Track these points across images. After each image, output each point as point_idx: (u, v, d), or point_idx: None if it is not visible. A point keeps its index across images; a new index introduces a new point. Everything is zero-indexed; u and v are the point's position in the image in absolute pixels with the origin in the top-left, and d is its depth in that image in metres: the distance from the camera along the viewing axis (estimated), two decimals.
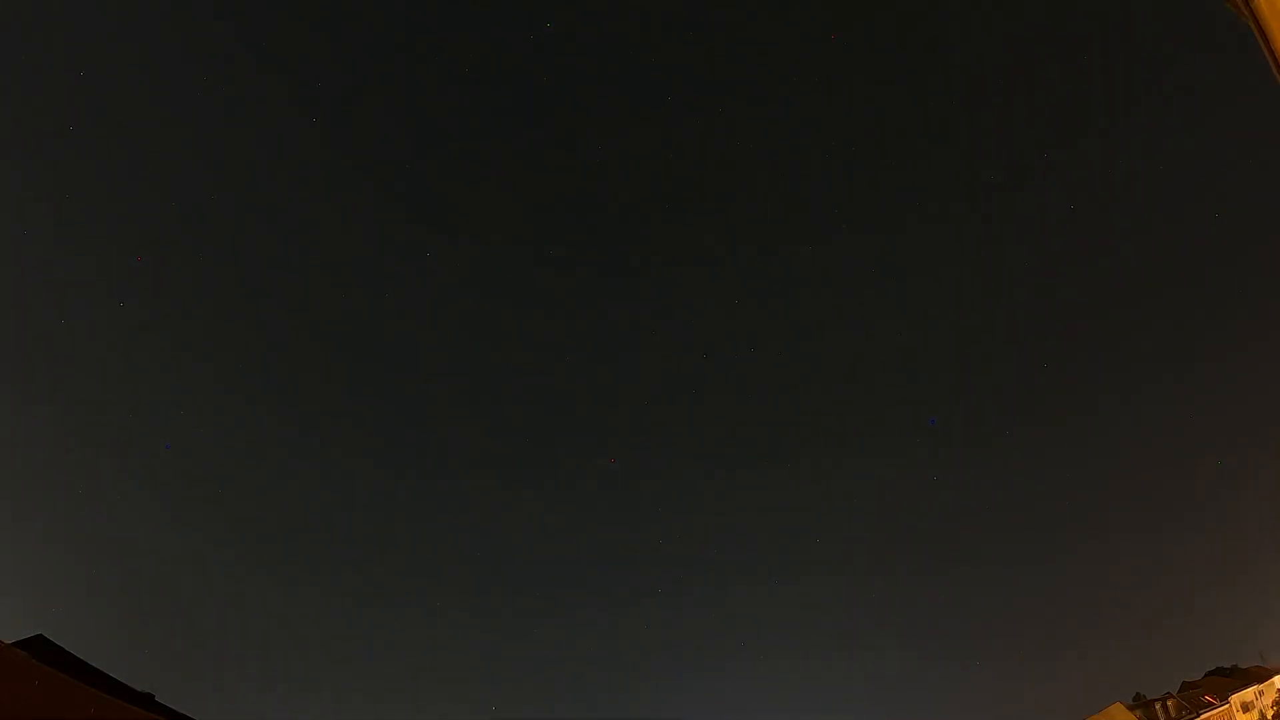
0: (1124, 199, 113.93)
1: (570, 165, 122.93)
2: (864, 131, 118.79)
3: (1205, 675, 66.08)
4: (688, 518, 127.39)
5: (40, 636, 26.25)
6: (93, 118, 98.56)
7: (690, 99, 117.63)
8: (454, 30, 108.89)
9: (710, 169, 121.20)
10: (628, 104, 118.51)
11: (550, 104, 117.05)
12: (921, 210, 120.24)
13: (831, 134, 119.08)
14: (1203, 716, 56.70)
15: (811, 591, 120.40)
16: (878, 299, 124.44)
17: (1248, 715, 51.75)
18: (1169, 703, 61.96)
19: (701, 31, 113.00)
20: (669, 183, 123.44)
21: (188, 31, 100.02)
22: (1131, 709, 61.84)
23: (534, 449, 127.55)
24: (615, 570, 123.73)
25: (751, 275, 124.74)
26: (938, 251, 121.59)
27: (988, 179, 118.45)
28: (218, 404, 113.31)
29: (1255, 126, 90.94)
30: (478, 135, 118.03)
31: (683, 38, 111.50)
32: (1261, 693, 50.98)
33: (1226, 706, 54.16)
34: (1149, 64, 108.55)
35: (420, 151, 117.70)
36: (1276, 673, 52.33)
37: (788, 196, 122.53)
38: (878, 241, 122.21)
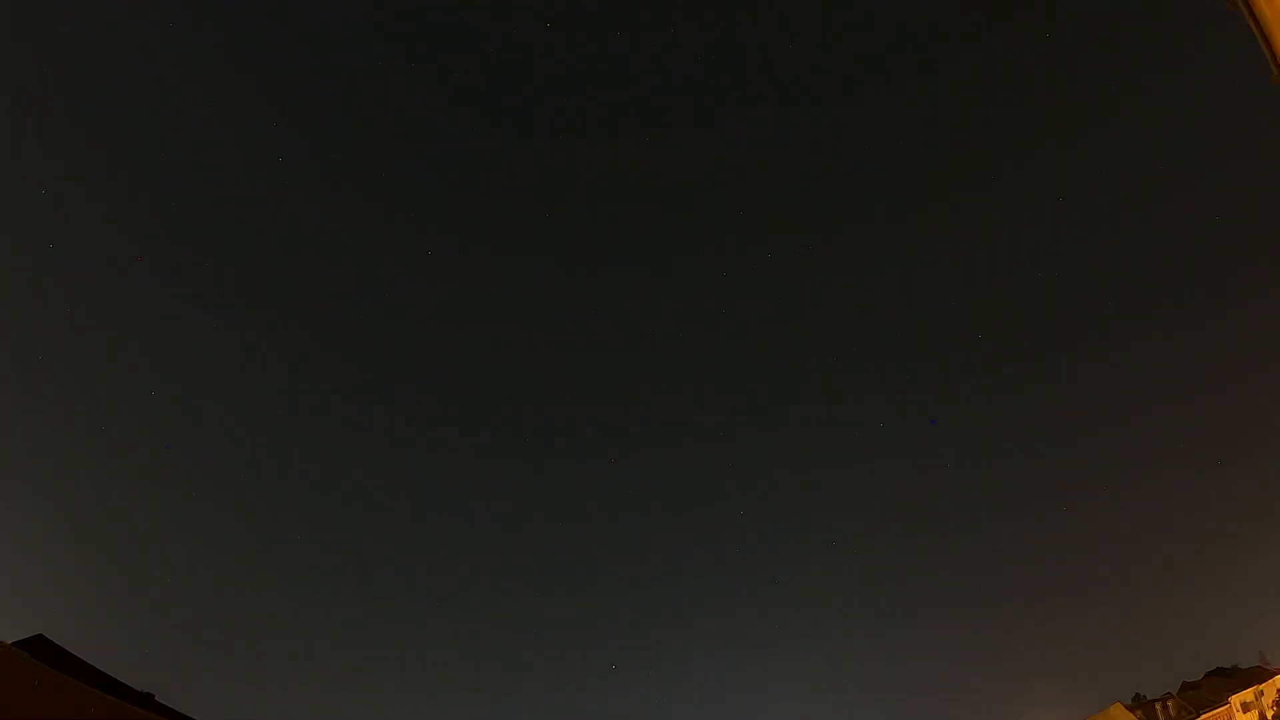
0: (1126, 198, 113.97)
1: (571, 165, 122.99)
2: (862, 130, 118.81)
3: (1205, 675, 66.03)
4: (688, 515, 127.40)
5: (40, 636, 26.26)
6: (94, 120, 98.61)
7: (689, 98, 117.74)
8: (453, 30, 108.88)
9: (712, 168, 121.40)
10: (627, 103, 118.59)
11: (550, 103, 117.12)
12: (917, 206, 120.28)
13: (831, 132, 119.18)
14: (1203, 717, 56.67)
15: (810, 592, 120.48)
16: (875, 292, 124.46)
17: (1248, 715, 51.70)
18: (1169, 703, 61.94)
19: (700, 31, 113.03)
20: (669, 182, 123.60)
21: (189, 31, 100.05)
22: (1131, 709, 61.84)
23: (535, 448, 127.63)
24: (616, 568, 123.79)
25: (753, 274, 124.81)
26: (935, 245, 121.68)
27: (989, 174, 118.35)
28: (218, 404, 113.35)
29: (1255, 126, 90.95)
30: (478, 135, 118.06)
31: (682, 37, 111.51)
32: (1261, 693, 50.90)
33: (1226, 706, 54.11)
34: (1148, 63, 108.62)
35: (420, 151, 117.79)
36: (1276, 673, 52.24)
37: (788, 195, 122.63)
38: (875, 238, 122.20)
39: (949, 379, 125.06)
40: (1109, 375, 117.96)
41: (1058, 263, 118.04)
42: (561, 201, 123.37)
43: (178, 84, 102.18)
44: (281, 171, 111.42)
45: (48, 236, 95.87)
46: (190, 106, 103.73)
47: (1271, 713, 49.06)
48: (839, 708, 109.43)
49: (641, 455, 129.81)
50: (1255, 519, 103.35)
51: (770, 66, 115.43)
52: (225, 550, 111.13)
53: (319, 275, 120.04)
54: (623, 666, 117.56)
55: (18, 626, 28.33)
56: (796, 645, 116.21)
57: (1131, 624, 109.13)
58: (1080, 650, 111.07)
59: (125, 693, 26.92)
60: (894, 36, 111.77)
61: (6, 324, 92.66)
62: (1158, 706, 62.12)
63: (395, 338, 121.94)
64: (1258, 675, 55.37)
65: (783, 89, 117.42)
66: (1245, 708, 51.95)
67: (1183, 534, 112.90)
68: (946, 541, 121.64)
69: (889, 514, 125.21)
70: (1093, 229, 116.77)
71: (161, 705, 28.63)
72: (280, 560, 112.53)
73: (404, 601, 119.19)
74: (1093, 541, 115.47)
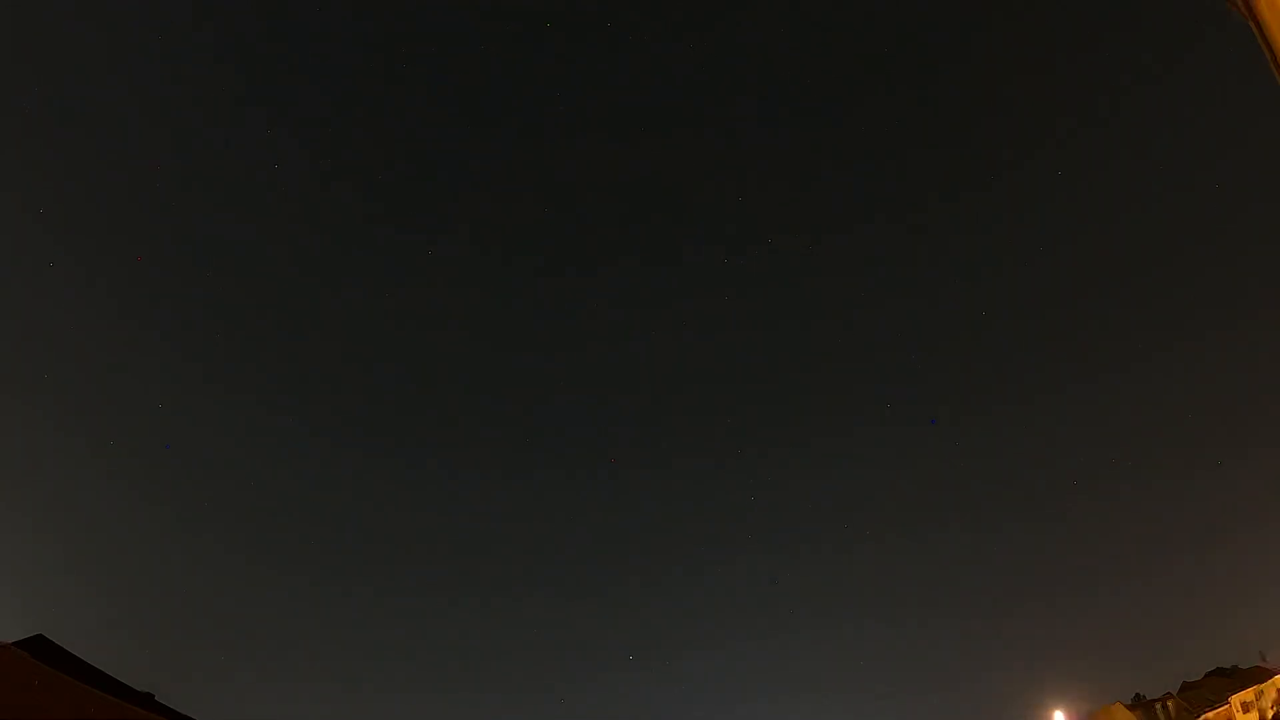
0: (1125, 197, 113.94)
1: (571, 164, 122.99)
2: (858, 127, 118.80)
3: (1205, 675, 66.08)
4: (691, 513, 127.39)
5: (40, 636, 26.29)
6: (93, 119, 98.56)
7: (689, 98, 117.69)
8: (454, 30, 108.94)
9: (710, 166, 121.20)
10: (627, 102, 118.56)
11: (550, 102, 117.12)
12: (917, 202, 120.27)
13: (832, 128, 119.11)
14: (1203, 717, 56.67)
15: (809, 591, 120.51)
16: (875, 288, 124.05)
17: (1248, 715, 51.71)
18: (1169, 703, 61.94)
19: (699, 30, 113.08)
20: (669, 180, 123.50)
21: (188, 30, 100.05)
22: (1131, 709, 61.84)
23: (536, 449, 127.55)
24: (616, 567, 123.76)
25: (753, 271, 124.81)
26: (934, 240, 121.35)
27: (989, 170, 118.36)
28: (217, 404, 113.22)
29: (1256, 125, 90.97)
30: (478, 134, 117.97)
31: (683, 36, 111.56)
32: (1261, 693, 50.92)
33: (1226, 707, 54.12)
34: (1147, 63, 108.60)
35: (419, 151, 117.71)
36: (1276, 673, 52.23)
37: (788, 191, 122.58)
38: (874, 233, 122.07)
39: (949, 383, 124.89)
40: (1103, 374, 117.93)
41: (1060, 257, 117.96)
42: (561, 201, 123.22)
43: (176, 84, 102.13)
44: (280, 171, 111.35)
45: (46, 235, 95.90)
46: (189, 106, 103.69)
47: (1271, 713, 49.07)
48: (840, 704, 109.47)
49: (642, 454, 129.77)
50: (1256, 518, 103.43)
51: (770, 66, 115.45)
52: (226, 550, 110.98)
53: (319, 274, 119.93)
54: (623, 665, 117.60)
55: (18, 626, 28.33)
56: (792, 645, 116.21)
57: (1131, 624, 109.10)
58: (1080, 650, 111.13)
59: (125, 693, 26.94)
60: (893, 34, 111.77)
61: (5, 323, 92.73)
62: (1158, 706, 62.11)
63: (395, 337, 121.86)
64: (1258, 675, 55.35)
65: (782, 87, 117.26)
66: (1245, 708, 51.95)
67: (1183, 533, 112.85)
68: (946, 541, 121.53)
69: (888, 514, 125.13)
70: (1092, 226, 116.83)
71: (161, 705, 28.62)
72: (281, 559, 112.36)
73: (405, 600, 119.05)
74: (1092, 541, 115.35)
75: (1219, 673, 65.17)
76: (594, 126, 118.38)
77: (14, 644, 24.31)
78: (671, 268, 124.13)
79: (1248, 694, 52.33)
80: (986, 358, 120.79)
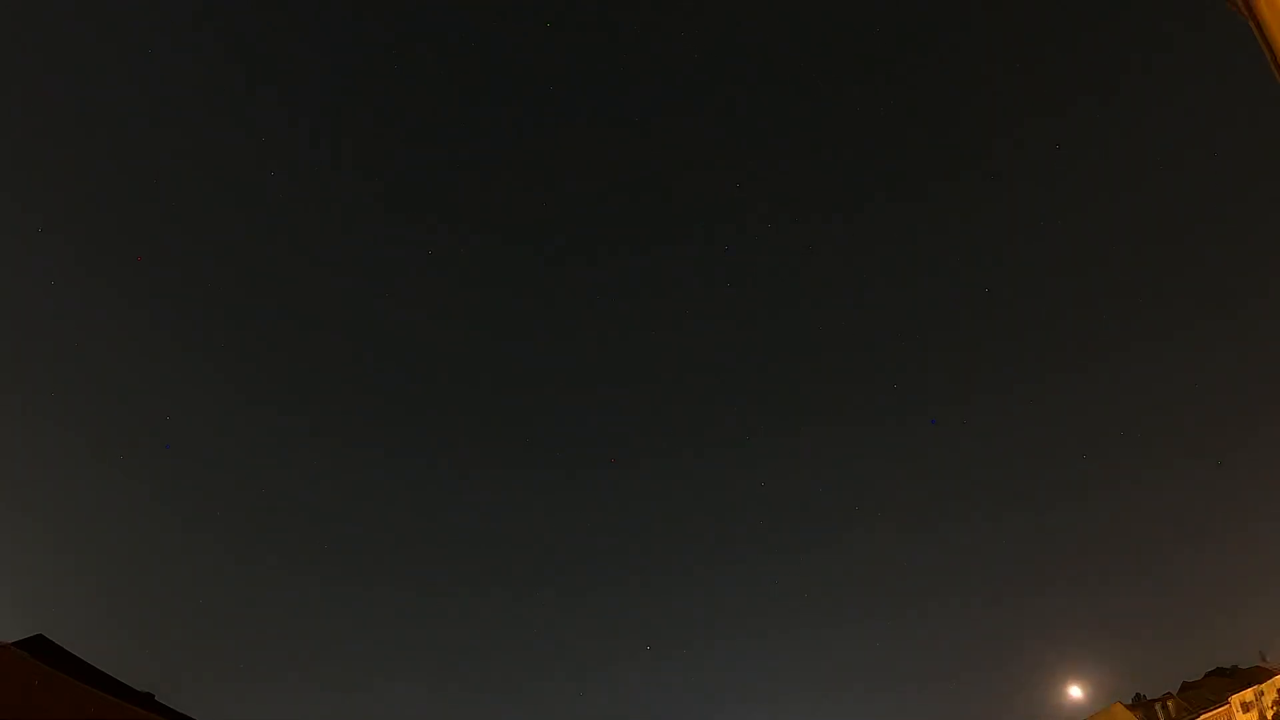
0: (1124, 197, 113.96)
1: (571, 164, 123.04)
2: (857, 123, 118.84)
3: (1205, 675, 66.04)
4: (693, 511, 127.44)
5: (40, 636, 26.31)
6: (92, 118, 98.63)
7: (686, 95, 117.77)
8: (453, 29, 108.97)
9: (711, 166, 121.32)
10: (626, 101, 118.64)
11: (550, 101, 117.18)
12: (911, 196, 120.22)
13: (827, 127, 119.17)
14: (1203, 717, 56.69)
15: (808, 590, 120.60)
16: (873, 283, 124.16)
17: (1248, 715, 51.77)
18: (1169, 703, 61.92)
19: (698, 27, 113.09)
20: (668, 179, 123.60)
21: (188, 30, 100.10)
22: (1131, 709, 61.79)
23: (537, 449, 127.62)
24: (616, 566, 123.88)
25: (753, 267, 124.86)
26: (932, 234, 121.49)
27: (984, 166, 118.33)
28: (218, 403, 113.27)
29: (1254, 123, 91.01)
30: (478, 133, 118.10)
31: (681, 35, 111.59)
32: (1262, 693, 50.97)
33: (1226, 707, 54.17)
34: (1145, 63, 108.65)
35: (419, 150, 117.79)
36: (1277, 673, 52.26)
37: (787, 187, 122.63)
38: (873, 229, 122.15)
39: (948, 383, 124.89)
40: (1103, 373, 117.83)
41: (1066, 252, 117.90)
42: (561, 200, 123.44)
43: (177, 83, 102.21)
44: (280, 171, 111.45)
45: (48, 235, 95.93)
46: (189, 105, 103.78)
47: (1271, 713, 49.12)
48: (839, 703, 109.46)
49: (642, 454, 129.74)
50: (1256, 516, 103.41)
51: (770, 63, 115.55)
52: (226, 550, 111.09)
53: (319, 273, 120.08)
54: (621, 665, 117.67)
55: (18, 626, 28.37)
56: (792, 644, 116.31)
57: (1131, 624, 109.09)
58: (1080, 650, 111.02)
59: (125, 693, 26.95)
60: (891, 26, 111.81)
61: (6, 323, 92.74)
62: (1158, 706, 62.06)
63: (395, 336, 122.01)
64: (1258, 675, 55.34)
65: (781, 83, 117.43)
66: (1245, 708, 52.01)
67: (1182, 532, 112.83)
68: (945, 542, 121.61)
69: (887, 515, 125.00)
70: (1095, 224, 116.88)
71: (161, 705, 28.64)
72: (281, 559, 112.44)
73: (406, 600, 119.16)
74: (1091, 541, 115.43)
75: (1219, 673, 65.11)
76: (592, 125, 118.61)
77: (14, 644, 24.33)
78: (671, 264, 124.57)
79: (1248, 694, 52.37)
80: (985, 357, 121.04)
